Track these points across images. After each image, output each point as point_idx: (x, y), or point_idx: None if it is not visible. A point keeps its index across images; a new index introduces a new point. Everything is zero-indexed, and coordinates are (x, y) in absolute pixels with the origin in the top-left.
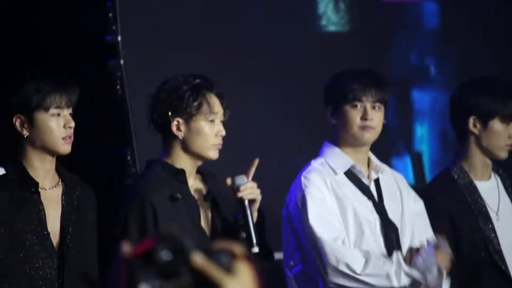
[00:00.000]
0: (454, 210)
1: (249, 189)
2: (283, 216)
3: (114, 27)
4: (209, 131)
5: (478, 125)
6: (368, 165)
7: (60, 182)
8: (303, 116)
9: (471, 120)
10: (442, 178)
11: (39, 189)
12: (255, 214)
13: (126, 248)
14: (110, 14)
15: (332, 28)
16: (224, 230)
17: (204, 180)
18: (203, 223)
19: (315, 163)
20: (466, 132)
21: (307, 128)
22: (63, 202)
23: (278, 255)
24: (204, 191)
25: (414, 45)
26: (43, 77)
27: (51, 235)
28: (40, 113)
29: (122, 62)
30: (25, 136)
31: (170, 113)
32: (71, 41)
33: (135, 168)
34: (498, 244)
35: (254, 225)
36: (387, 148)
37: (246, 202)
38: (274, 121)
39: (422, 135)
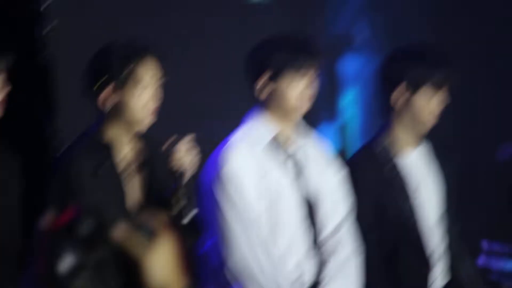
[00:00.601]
0: (376, 187)
1: (178, 158)
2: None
3: None
4: (140, 100)
5: (407, 93)
6: (290, 137)
7: None
8: (227, 85)
9: (400, 88)
10: (365, 153)
11: None
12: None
13: (48, 219)
14: None
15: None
16: (157, 200)
17: (144, 148)
18: (132, 194)
19: (236, 136)
20: (391, 102)
21: (229, 96)
22: None
23: None
24: (140, 160)
25: (344, 12)
26: None
27: None
28: None
29: (49, 28)
30: None
31: (99, 82)
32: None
33: (58, 139)
34: (415, 222)
35: (185, 195)
36: (314, 117)
37: (177, 171)
38: (200, 89)
39: (349, 103)
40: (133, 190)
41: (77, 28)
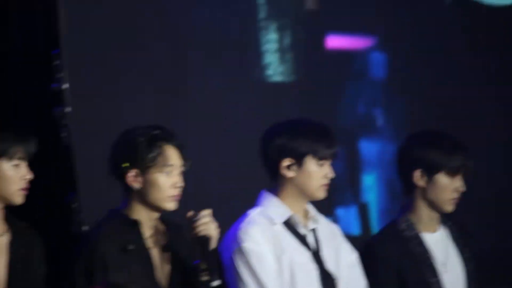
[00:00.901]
0: (401, 262)
1: (205, 225)
2: None
3: (60, 75)
4: (164, 183)
5: (424, 178)
6: (306, 215)
7: (7, 231)
8: (245, 165)
9: (417, 173)
10: (389, 230)
11: None
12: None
13: None
14: (56, 62)
15: (278, 78)
16: (182, 282)
17: (166, 230)
18: (159, 274)
19: (253, 213)
20: (412, 184)
21: (246, 177)
22: (10, 251)
23: None
24: (163, 242)
25: (361, 95)
26: (6, 127)
27: None
28: (3, 162)
29: (68, 109)
30: None
31: (126, 165)
32: (16, 87)
33: (80, 216)
34: None
35: (212, 259)
36: (334, 198)
37: (203, 237)
38: (213, 169)
39: (370, 185)
40: (161, 268)
41: (94, 109)
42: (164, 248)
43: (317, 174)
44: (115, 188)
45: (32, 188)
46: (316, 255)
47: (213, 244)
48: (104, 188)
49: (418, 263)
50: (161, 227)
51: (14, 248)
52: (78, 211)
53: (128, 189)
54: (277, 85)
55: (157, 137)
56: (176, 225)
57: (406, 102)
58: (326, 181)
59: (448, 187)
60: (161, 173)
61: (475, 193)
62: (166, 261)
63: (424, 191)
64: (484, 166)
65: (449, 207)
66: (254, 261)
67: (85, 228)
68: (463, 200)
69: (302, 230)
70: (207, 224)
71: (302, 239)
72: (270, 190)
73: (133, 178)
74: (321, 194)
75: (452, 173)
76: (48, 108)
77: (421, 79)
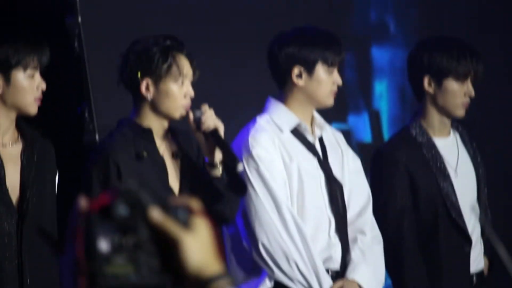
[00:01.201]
0: (412, 166)
1: (209, 118)
2: None
3: None
4: (177, 93)
5: (432, 84)
6: (312, 123)
7: (19, 138)
8: (250, 72)
9: (426, 79)
10: (401, 135)
11: None
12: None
13: (84, 202)
14: None
15: None
16: (194, 187)
17: (175, 138)
18: (171, 181)
19: (261, 120)
20: (423, 91)
21: (250, 83)
22: (22, 158)
23: None
24: (174, 150)
25: (374, 2)
26: (20, 36)
27: (10, 191)
28: (18, 72)
29: (80, 19)
30: None
31: (139, 74)
32: None
33: (92, 125)
34: (456, 200)
35: (229, 146)
36: (346, 105)
37: (213, 130)
38: (223, 77)
39: (381, 92)
40: (172, 175)
41: (106, 18)
42: (174, 155)
43: (327, 81)
44: (127, 97)
45: (45, 98)
46: (323, 162)
47: (221, 132)
48: (116, 97)
49: (430, 168)
50: (170, 135)
51: (27, 156)
52: (91, 120)
53: (139, 98)
54: None
55: (170, 47)
56: (183, 132)
57: (418, 10)
58: (335, 88)
59: (457, 92)
60: (175, 82)
61: None
62: (177, 167)
63: (434, 97)
64: None
65: (459, 112)
66: (264, 167)
67: (97, 136)
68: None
69: (310, 138)
70: (212, 116)
71: (310, 146)
72: (277, 98)
73: (146, 87)
74: (330, 101)
75: (460, 78)
76: (60, 17)
77: None
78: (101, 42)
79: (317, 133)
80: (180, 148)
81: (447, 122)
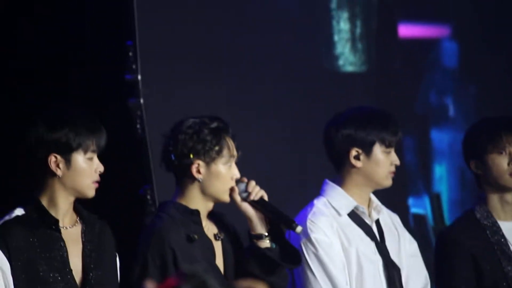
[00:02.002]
0: (476, 250)
1: (256, 187)
2: None
3: (134, 66)
4: (227, 175)
5: (478, 166)
6: (369, 205)
7: (78, 220)
8: (313, 155)
9: (472, 163)
10: (465, 218)
11: (60, 227)
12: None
13: (150, 286)
14: (130, 53)
15: (349, 68)
16: (237, 268)
17: (214, 220)
18: (217, 262)
19: (319, 204)
20: (475, 174)
21: (314, 166)
22: (83, 240)
23: None
24: (215, 231)
25: (433, 84)
26: (80, 119)
27: (73, 273)
28: (79, 155)
29: (142, 101)
30: (58, 176)
31: (191, 156)
32: (92, 79)
33: (154, 207)
34: None
35: (279, 209)
36: (406, 189)
37: (261, 198)
38: (283, 157)
39: (441, 175)
40: (217, 256)
41: (168, 100)
42: (217, 236)
43: (385, 161)
44: None
45: (108, 181)
46: (381, 246)
47: (266, 200)
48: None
49: (495, 251)
50: (209, 216)
51: (87, 238)
52: (153, 202)
53: (185, 180)
54: (348, 75)
55: (220, 129)
56: (221, 214)
57: (477, 91)
58: (393, 169)
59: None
60: (224, 165)
61: None
62: (219, 248)
63: (484, 178)
64: None
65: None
66: (323, 252)
67: None
68: None
69: (368, 221)
70: (256, 186)
71: (367, 229)
72: (333, 180)
73: (197, 169)
74: (388, 181)
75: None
76: (122, 99)
77: (493, 67)
78: (163, 123)
79: (374, 216)
80: (219, 229)
81: (510, 205)
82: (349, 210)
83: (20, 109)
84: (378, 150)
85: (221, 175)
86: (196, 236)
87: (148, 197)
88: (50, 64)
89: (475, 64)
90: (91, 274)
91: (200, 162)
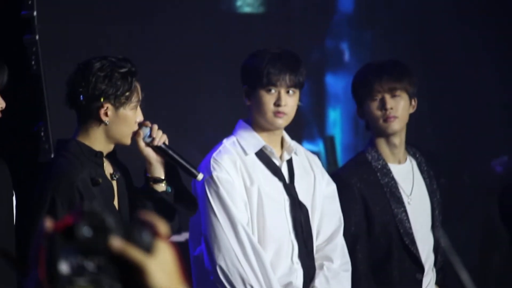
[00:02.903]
0: (367, 192)
1: (159, 132)
2: None
3: (29, 2)
4: (133, 119)
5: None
6: (282, 146)
7: None
8: (217, 95)
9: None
10: (356, 160)
11: None
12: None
13: (48, 224)
14: None
15: (247, 9)
16: (131, 206)
17: (109, 159)
18: (113, 202)
19: (227, 143)
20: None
21: (221, 107)
22: None
23: (186, 235)
24: (111, 171)
25: (329, 30)
26: None
27: None
28: None
29: (37, 37)
30: None
31: (102, 99)
32: None
33: (48, 144)
34: (410, 227)
35: (183, 159)
36: (300, 132)
37: (163, 145)
38: (187, 99)
39: (335, 119)
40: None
41: (64, 36)
42: (112, 176)
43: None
44: None
45: (2, 118)
46: (289, 186)
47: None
48: (72, 117)
49: (384, 193)
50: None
51: None
52: (46, 139)
53: (90, 121)
54: (246, 16)
55: (130, 73)
56: (112, 153)
57: (373, 37)
58: (277, 109)
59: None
60: (132, 109)
61: None
62: (115, 189)
63: (368, 124)
64: None
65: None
66: (224, 191)
67: (53, 156)
68: None
69: (276, 161)
70: (160, 131)
71: (275, 169)
72: (246, 120)
73: (105, 112)
74: (275, 122)
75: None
76: (17, 35)
77: (388, 13)
78: (59, 60)
79: (285, 156)
80: (114, 168)
81: (400, 148)
82: (256, 149)
83: None
84: (261, 92)
85: (128, 119)
86: (100, 180)
87: (42, 134)
88: None
89: (370, 10)
90: None
91: (109, 106)
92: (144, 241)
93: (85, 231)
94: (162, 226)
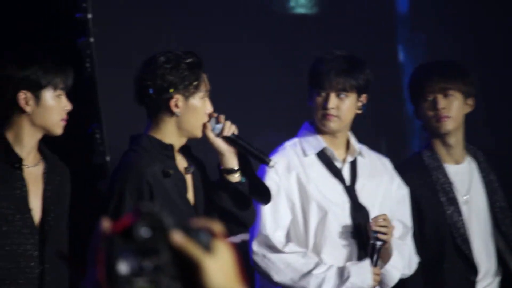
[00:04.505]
0: (419, 191)
1: (227, 122)
2: None
3: (84, 4)
4: (202, 109)
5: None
6: (348, 148)
7: (41, 160)
8: (275, 97)
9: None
10: (411, 161)
11: (22, 166)
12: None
13: (105, 224)
14: None
15: (300, 10)
16: (206, 201)
17: (183, 153)
18: (188, 196)
19: (288, 144)
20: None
21: (281, 108)
22: (45, 180)
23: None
24: (185, 165)
25: (383, 30)
26: (49, 57)
27: (32, 212)
28: (48, 92)
29: (91, 39)
30: (28, 112)
31: (171, 90)
32: (42, 17)
33: (103, 146)
34: (463, 228)
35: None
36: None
37: (233, 135)
38: (246, 101)
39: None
40: (188, 190)
41: (118, 39)
42: (186, 170)
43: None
44: (138, 118)
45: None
46: (349, 188)
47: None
48: (127, 118)
49: (437, 192)
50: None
51: (49, 178)
52: (101, 142)
53: (161, 114)
54: (299, 17)
55: (196, 64)
56: (187, 147)
57: (427, 38)
58: (325, 112)
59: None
60: (201, 99)
61: None
62: (189, 182)
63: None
64: None
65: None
66: (274, 188)
67: (107, 158)
68: None
69: (337, 163)
70: (228, 121)
71: (335, 171)
72: (311, 122)
73: (175, 103)
74: (325, 125)
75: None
76: (72, 38)
77: (443, 15)
78: (113, 62)
79: (348, 158)
80: (189, 162)
81: (459, 148)
82: (317, 150)
83: None
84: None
85: (197, 110)
86: (171, 171)
87: (97, 136)
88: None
89: (425, 10)
90: (51, 215)
91: (179, 97)
92: (202, 240)
93: (144, 231)
94: (218, 227)
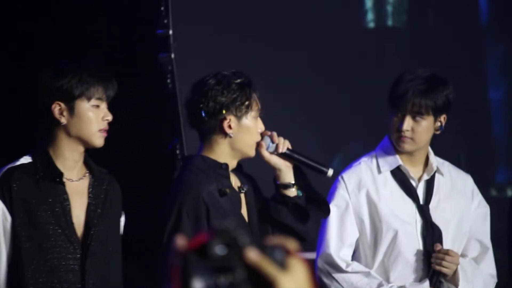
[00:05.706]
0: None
1: (280, 139)
2: None
3: (165, 21)
4: (255, 128)
5: None
6: (425, 166)
7: (87, 174)
8: (349, 112)
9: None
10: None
11: (64, 180)
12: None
13: (181, 241)
14: (162, 8)
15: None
16: (260, 219)
17: (236, 173)
18: (243, 214)
19: (364, 158)
20: None
21: (361, 122)
22: (90, 195)
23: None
24: (239, 184)
25: (466, 42)
26: (86, 67)
27: (75, 226)
28: (82, 102)
29: (172, 55)
30: (62, 124)
31: (224, 111)
32: (124, 33)
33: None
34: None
35: (309, 159)
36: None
37: (288, 151)
38: (325, 115)
39: None
40: (243, 208)
41: (197, 55)
42: (240, 189)
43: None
44: None
45: (137, 135)
46: (422, 207)
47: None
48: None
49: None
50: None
51: (94, 192)
52: (182, 158)
53: (214, 135)
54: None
55: (246, 84)
56: (239, 166)
57: (507, 48)
58: (399, 134)
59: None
60: (254, 118)
61: None
62: (243, 200)
63: None
64: None
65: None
66: (342, 205)
67: None
68: None
69: (412, 181)
70: (281, 138)
71: (409, 189)
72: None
73: (228, 124)
74: (399, 146)
75: None
76: (153, 54)
77: None
78: (194, 78)
79: (424, 177)
80: (242, 181)
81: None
82: (392, 167)
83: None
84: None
85: (251, 129)
86: (227, 190)
87: (177, 151)
88: (83, 18)
89: (505, 21)
90: (93, 229)
91: (232, 117)
92: (277, 257)
93: (219, 249)
94: (292, 244)
